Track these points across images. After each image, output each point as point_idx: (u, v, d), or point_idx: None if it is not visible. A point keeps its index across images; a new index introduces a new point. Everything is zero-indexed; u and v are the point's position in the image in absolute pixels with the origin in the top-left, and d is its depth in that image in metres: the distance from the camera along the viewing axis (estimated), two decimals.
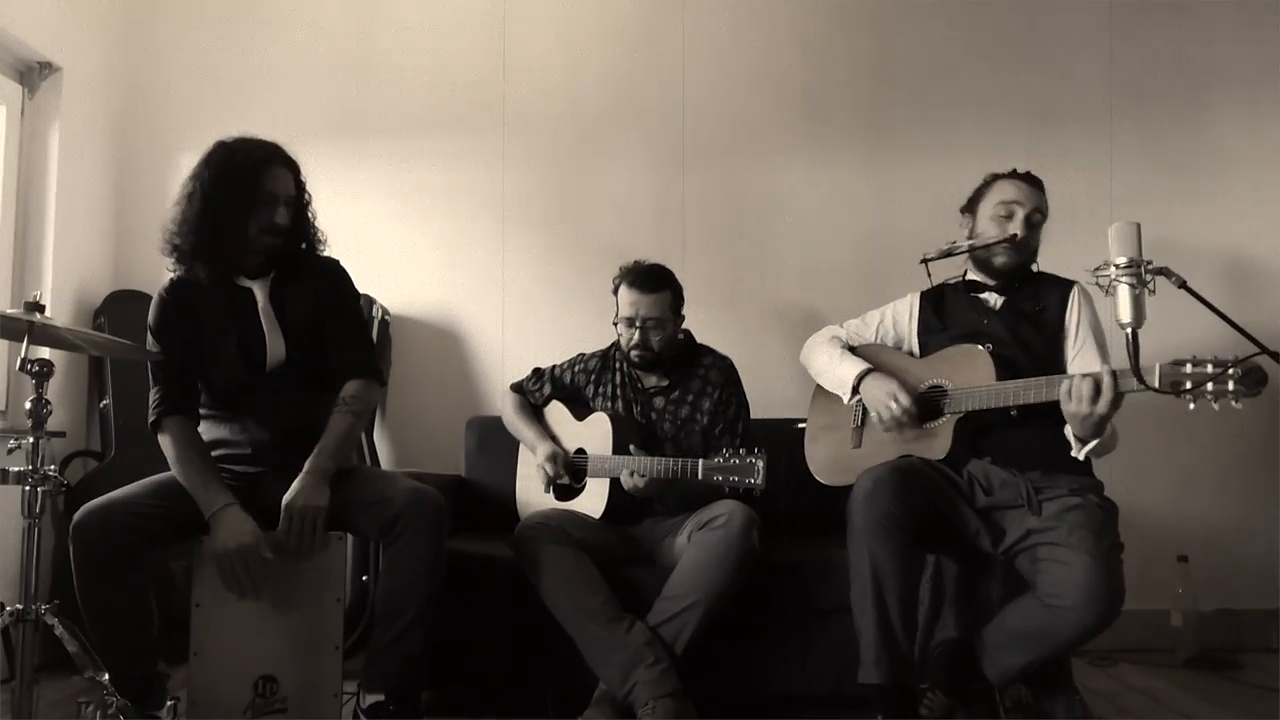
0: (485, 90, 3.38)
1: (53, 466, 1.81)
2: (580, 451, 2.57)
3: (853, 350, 2.37)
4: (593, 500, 2.49)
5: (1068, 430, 1.98)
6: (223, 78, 3.36)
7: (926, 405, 2.18)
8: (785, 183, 3.35)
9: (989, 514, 2.09)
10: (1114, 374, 1.86)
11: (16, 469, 1.77)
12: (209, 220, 2.06)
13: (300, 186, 2.18)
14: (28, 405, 1.81)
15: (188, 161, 2.15)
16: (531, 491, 2.67)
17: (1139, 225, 1.72)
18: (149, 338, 2.14)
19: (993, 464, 2.11)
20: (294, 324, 2.16)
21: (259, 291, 2.16)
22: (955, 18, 3.37)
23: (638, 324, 2.52)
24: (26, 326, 1.76)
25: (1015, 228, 2.21)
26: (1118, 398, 1.86)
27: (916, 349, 2.34)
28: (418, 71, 3.37)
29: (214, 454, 2.12)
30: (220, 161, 2.09)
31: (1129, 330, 1.71)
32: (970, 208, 2.33)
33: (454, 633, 2.28)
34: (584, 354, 2.75)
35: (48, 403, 1.82)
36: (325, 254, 2.27)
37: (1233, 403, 1.72)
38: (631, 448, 2.39)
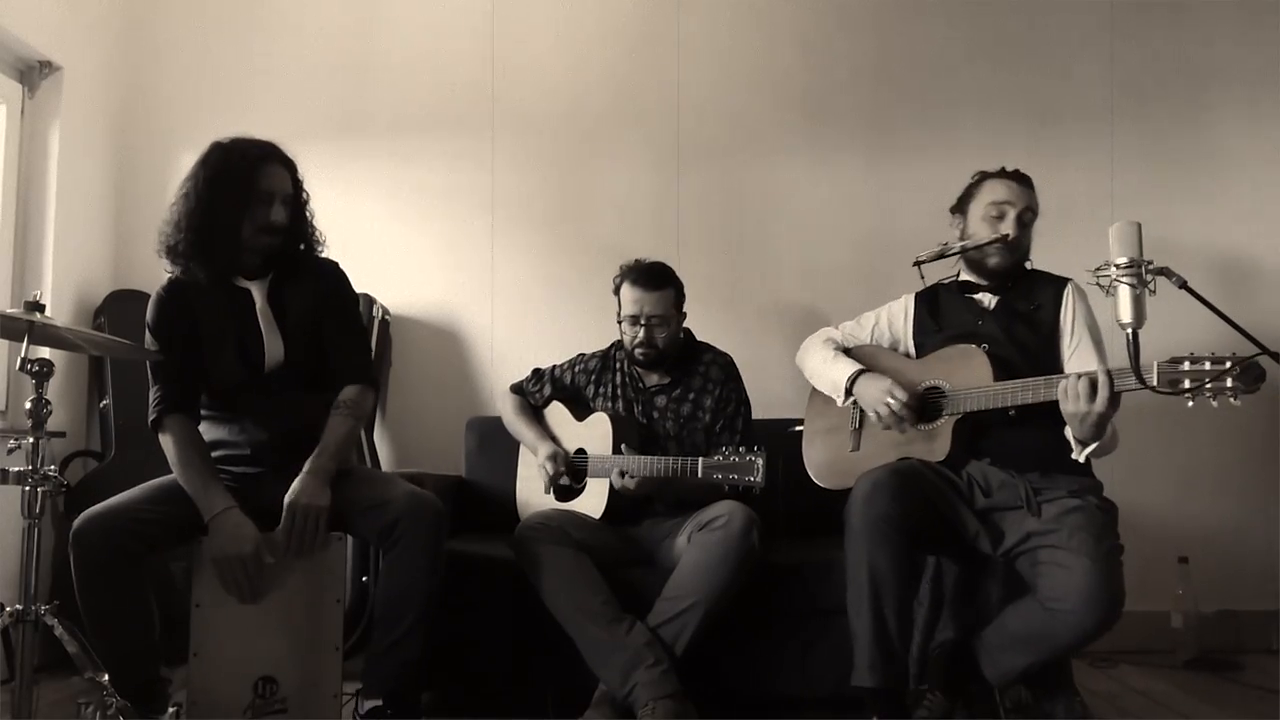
0: (485, 90, 3.37)
1: (53, 467, 1.81)
2: (580, 452, 2.57)
3: (848, 352, 2.37)
4: (593, 501, 2.49)
5: (1068, 432, 1.98)
6: (223, 78, 3.36)
7: (924, 406, 2.19)
8: (785, 183, 3.35)
9: (988, 515, 2.09)
10: (1110, 373, 1.86)
11: (16, 469, 1.77)
12: (204, 220, 2.06)
13: (298, 185, 2.17)
14: (28, 405, 1.81)
15: (188, 161, 2.14)
16: (531, 492, 2.67)
17: (1139, 225, 1.72)
18: (147, 336, 2.14)
19: (991, 465, 2.11)
20: (292, 325, 2.16)
21: (257, 292, 2.16)
22: (956, 18, 3.37)
23: (642, 321, 2.52)
24: (26, 326, 1.76)
25: (1007, 228, 2.21)
26: (1115, 397, 1.86)
27: (912, 350, 2.34)
28: (417, 72, 3.37)
29: (213, 454, 2.11)
30: (216, 161, 2.09)
31: (1129, 330, 1.71)
32: (960, 208, 2.32)
33: (454, 633, 2.28)
34: (584, 354, 2.75)
35: (48, 403, 1.81)
36: (324, 255, 2.27)
37: (1231, 400, 1.72)
38: (624, 448, 2.39)
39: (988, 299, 2.27)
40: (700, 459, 2.25)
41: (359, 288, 2.36)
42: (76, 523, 1.93)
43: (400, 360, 3.28)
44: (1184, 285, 1.80)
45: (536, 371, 2.78)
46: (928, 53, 3.37)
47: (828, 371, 2.33)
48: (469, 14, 3.39)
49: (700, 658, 2.19)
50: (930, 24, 3.37)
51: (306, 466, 2.03)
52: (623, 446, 2.40)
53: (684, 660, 2.14)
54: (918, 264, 2.27)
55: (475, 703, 2.38)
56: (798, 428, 2.45)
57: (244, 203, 2.07)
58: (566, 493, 2.56)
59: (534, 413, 2.75)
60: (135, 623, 1.96)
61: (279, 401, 2.13)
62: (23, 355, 1.76)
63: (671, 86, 3.37)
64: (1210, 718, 2.43)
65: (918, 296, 2.38)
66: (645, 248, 2.73)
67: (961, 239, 2.27)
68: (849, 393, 2.26)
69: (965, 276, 2.32)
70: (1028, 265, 2.29)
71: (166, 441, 2.07)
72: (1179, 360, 1.76)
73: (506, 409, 2.77)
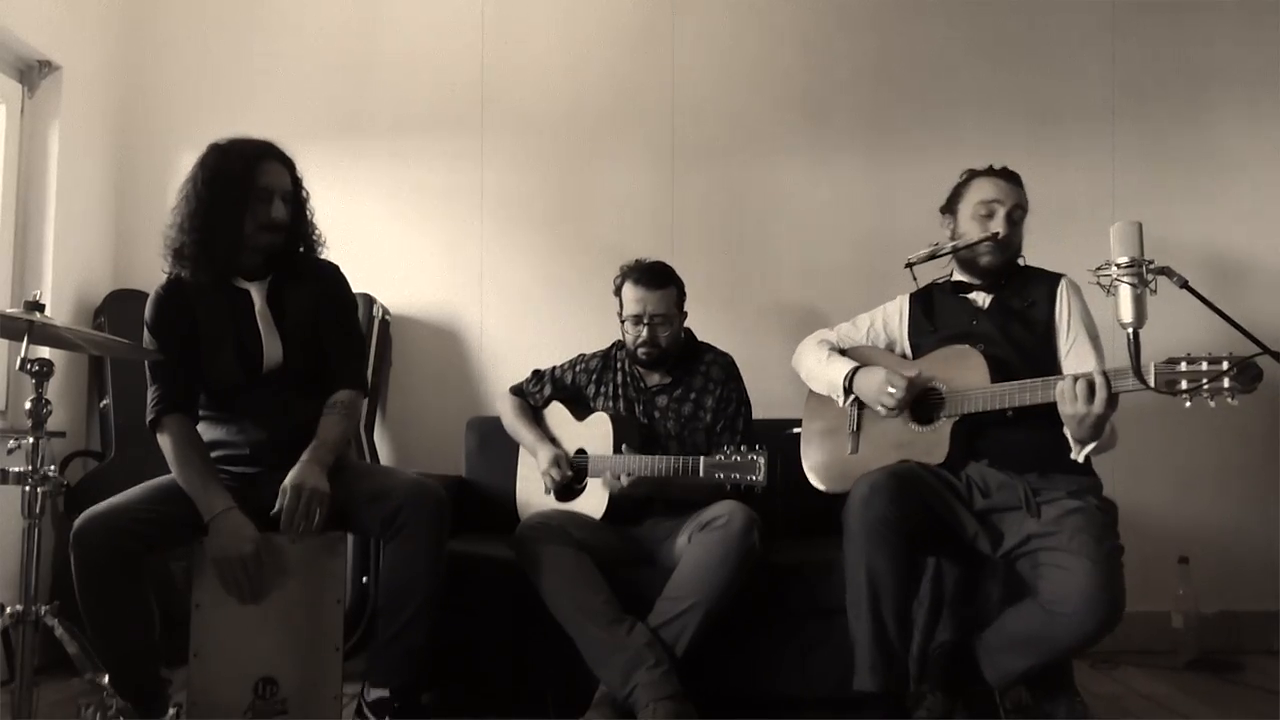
0: (485, 90, 3.37)
1: (53, 466, 1.80)
2: (581, 452, 2.57)
3: (843, 353, 2.37)
4: (594, 501, 2.48)
5: (1067, 431, 1.98)
6: (223, 78, 3.36)
7: (922, 408, 2.18)
8: (785, 183, 3.35)
9: (987, 517, 2.08)
10: (1106, 374, 1.86)
11: (16, 469, 1.77)
12: (206, 220, 2.06)
13: (297, 182, 2.17)
14: (28, 405, 1.80)
15: (187, 161, 2.14)
16: (532, 492, 2.67)
17: (1140, 225, 1.72)
18: (146, 335, 2.14)
19: (990, 466, 2.11)
20: (291, 327, 2.16)
21: (256, 294, 2.16)
22: (956, 18, 3.37)
23: (645, 320, 2.52)
24: (26, 326, 1.76)
25: (997, 226, 2.20)
26: (1113, 398, 1.86)
27: (909, 351, 2.34)
28: (417, 72, 3.37)
29: (211, 455, 2.11)
30: (214, 162, 2.09)
31: (1130, 330, 1.71)
32: (950, 207, 2.32)
33: (455, 633, 2.28)
34: (584, 354, 2.75)
35: (48, 403, 1.81)
36: (325, 256, 2.27)
37: (1229, 400, 1.72)
38: (624, 448, 2.39)
39: (982, 298, 2.27)
40: (702, 458, 2.25)
41: (359, 288, 2.36)
42: (77, 523, 1.93)
43: (400, 360, 3.28)
44: (1185, 285, 1.80)
45: (536, 372, 2.78)
46: (928, 53, 3.37)
47: (824, 373, 2.33)
48: (468, 14, 3.39)
49: (701, 658, 2.19)
50: (931, 24, 3.37)
51: (304, 456, 2.03)
52: (623, 446, 2.40)
53: (685, 660, 2.14)
54: (909, 265, 2.27)
55: (475, 703, 2.38)
56: (795, 429, 2.45)
57: (244, 201, 2.07)
58: (567, 493, 2.56)
59: (534, 414, 2.75)
60: (135, 623, 1.96)
61: (277, 402, 2.13)
62: (23, 355, 1.76)
63: (671, 86, 3.37)
64: (1211, 718, 2.43)
65: (912, 297, 2.38)
66: (645, 248, 2.73)
67: (952, 239, 2.27)
68: (848, 392, 2.26)
69: (958, 276, 2.32)
70: (1020, 262, 2.29)
71: (165, 442, 2.07)
72: (1175, 361, 1.76)
73: (506, 411, 2.76)
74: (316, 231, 2.23)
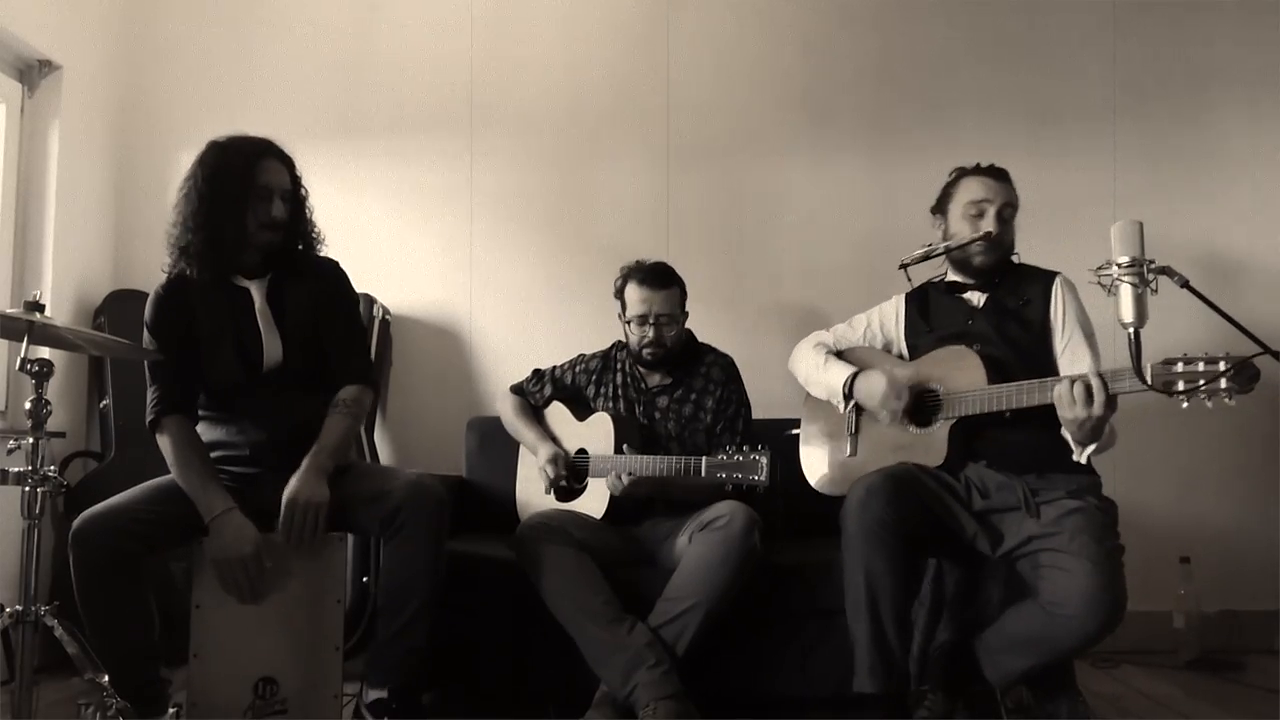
0: (485, 90, 3.37)
1: (53, 467, 1.80)
2: (581, 452, 2.57)
3: (840, 355, 2.36)
4: (594, 501, 2.48)
5: (1066, 433, 1.97)
6: (223, 78, 3.36)
7: (920, 410, 2.18)
8: (785, 183, 3.34)
9: (986, 518, 2.08)
10: (1102, 376, 1.86)
11: (16, 469, 1.76)
12: (207, 218, 2.05)
13: (296, 181, 2.17)
14: (28, 405, 1.80)
15: (187, 161, 2.14)
16: (532, 492, 2.67)
17: (1141, 224, 1.72)
18: (145, 335, 2.13)
19: (988, 468, 2.11)
20: (291, 325, 2.16)
21: (256, 292, 2.16)
22: (957, 18, 3.37)
23: (651, 320, 2.52)
24: (26, 326, 1.76)
25: (988, 225, 2.20)
26: (1111, 399, 1.86)
27: (906, 352, 2.33)
28: (417, 71, 3.37)
29: (212, 455, 2.11)
30: (213, 160, 2.09)
31: (1131, 330, 1.71)
32: (940, 208, 2.32)
33: (455, 633, 2.27)
34: (584, 354, 2.75)
35: (48, 403, 1.81)
36: (324, 254, 2.26)
37: (1226, 400, 1.71)
38: (625, 448, 2.39)
39: (977, 297, 2.27)
40: (704, 458, 2.25)
41: (359, 288, 2.36)
42: (76, 523, 1.92)
43: (400, 360, 3.28)
44: (1186, 284, 1.79)
45: (537, 372, 2.78)
46: (929, 53, 3.37)
47: (823, 378, 2.33)
48: (467, 14, 3.38)
49: (702, 658, 2.19)
50: (932, 24, 3.37)
51: (305, 463, 2.03)
52: (624, 447, 2.40)
53: (685, 660, 2.14)
54: (903, 267, 2.27)
55: (475, 703, 2.38)
56: (794, 431, 2.44)
57: (244, 199, 2.07)
58: (567, 493, 2.56)
59: (534, 413, 2.74)
60: (135, 623, 1.96)
61: (278, 402, 2.13)
62: (23, 355, 1.75)
63: (672, 86, 3.37)
64: (1212, 718, 2.42)
65: (907, 297, 2.37)
66: (645, 248, 2.73)
67: (944, 239, 2.27)
68: (849, 397, 2.26)
69: (952, 277, 2.31)
70: (1015, 260, 2.29)
71: (164, 443, 2.07)
72: (1172, 361, 1.76)
73: (506, 410, 2.76)
74: (316, 229, 2.22)
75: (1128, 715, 2.44)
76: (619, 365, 2.66)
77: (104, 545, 1.91)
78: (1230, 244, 3.27)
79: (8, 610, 1.76)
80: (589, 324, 3.08)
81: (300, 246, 2.21)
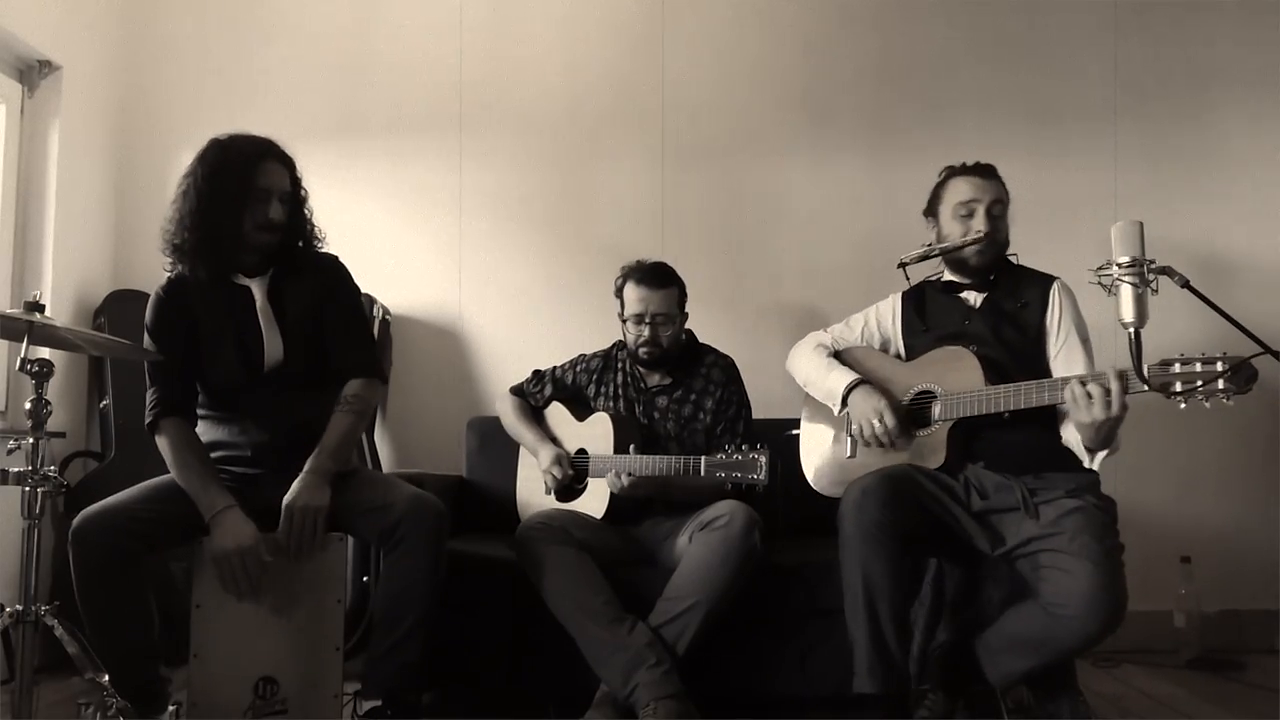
0: (486, 90, 3.37)
1: (53, 467, 1.80)
2: (581, 452, 2.56)
3: (838, 355, 2.36)
4: (594, 501, 2.48)
5: (1071, 439, 1.97)
6: (223, 78, 3.36)
7: (918, 413, 2.18)
8: (785, 183, 3.34)
9: (985, 518, 2.08)
10: (1121, 375, 1.83)
11: (16, 469, 1.76)
12: (203, 217, 2.05)
13: (296, 182, 2.16)
14: (28, 405, 1.80)
15: (187, 161, 2.13)
16: (532, 492, 2.67)
17: (1141, 224, 1.72)
18: (145, 337, 2.13)
19: (986, 469, 2.10)
20: (292, 323, 2.15)
21: (257, 290, 2.15)
22: (957, 18, 3.37)
23: (647, 320, 2.51)
24: (26, 326, 1.76)
25: (979, 224, 2.20)
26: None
27: (903, 351, 2.33)
28: (417, 72, 3.37)
29: (212, 455, 2.10)
30: (213, 159, 2.08)
31: (1132, 330, 1.71)
32: (931, 210, 2.32)
33: (454, 633, 2.27)
34: (584, 354, 2.75)
35: (48, 403, 1.81)
36: (324, 250, 2.26)
37: (1224, 400, 1.71)
38: (632, 448, 2.39)
39: (974, 297, 2.26)
40: (704, 457, 2.25)
41: (359, 287, 2.35)
42: (75, 522, 1.92)
43: (400, 360, 3.28)
44: (1186, 284, 1.79)
45: (537, 372, 2.78)
46: (929, 53, 3.37)
47: (823, 381, 2.32)
48: (465, 14, 3.38)
49: (702, 658, 2.19)
50: (932, 24, 3.37)
51: (306, 467, 2.02)
52: (631, 447, 2.39)
53: (685, 660, 2.14)
54: (902, 266, 2.27)
55: (475, 703, 2.38)
56: (794, 431, 2.44)
57: (241, 199, 2.06)
58: (568, 493, 2.56)
59: (534, 414, 2.74)
60: (135, 623, 1.96)
61: (279, 401, 2.12)
62: (22, 355, 1.75)
63: (672, 86, 3.37)
64: (1213, 718, 2.42)
65: (904, 296, 2.37)
66: (645, 248, 2.73)
67: (938, 241, 2.28)
68: (845, 402, 2.26)
69: (949, 276, 2.31)
70: (1013, 258, 2.28)
71: (163, 445, 2.07)
72: (1169, 362, 1.76)
73: (506, 411, 2.76)
74: (316, 228, 2.21)
75: (1129, 715, 2.43)
76: (619, 365, 2.66)
77: (103, 544, 1.90)
78: (1230, 244, 3.27)
79: (8, 610, 1.76)
80: (588, 324, 3.08)
81: (300, 244, 2.20)
